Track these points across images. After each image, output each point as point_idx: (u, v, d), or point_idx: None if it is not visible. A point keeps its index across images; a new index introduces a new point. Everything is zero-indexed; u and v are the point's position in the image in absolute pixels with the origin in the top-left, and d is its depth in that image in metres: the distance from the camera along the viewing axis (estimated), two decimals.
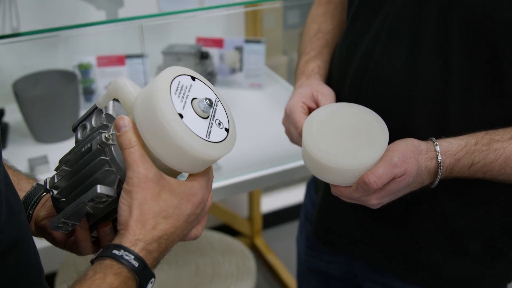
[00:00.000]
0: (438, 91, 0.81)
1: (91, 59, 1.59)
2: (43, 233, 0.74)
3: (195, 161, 0.60)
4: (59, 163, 0.70)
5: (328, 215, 1.05)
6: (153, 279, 0.58)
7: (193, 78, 0.63)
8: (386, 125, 0.80)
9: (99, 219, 0.67)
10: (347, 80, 0.91)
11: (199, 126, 0.59)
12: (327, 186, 1.00)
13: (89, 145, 0.64)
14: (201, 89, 0.63)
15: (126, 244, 0.57)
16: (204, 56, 1.64)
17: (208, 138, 0.60)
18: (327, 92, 0.91)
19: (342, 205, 0.99)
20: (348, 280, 1.12)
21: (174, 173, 0.64)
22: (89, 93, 1.62)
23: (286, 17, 2.09)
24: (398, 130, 0.81)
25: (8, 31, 1.29)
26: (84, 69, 1.59)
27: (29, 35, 1.21)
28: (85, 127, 0.70)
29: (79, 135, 0.70)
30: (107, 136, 0.62)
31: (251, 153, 1.37)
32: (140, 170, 0.59)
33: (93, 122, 0.68)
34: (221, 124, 0.63)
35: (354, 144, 0.78)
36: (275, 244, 2.36)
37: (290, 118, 0.90)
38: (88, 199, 0.61)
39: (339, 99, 0.93)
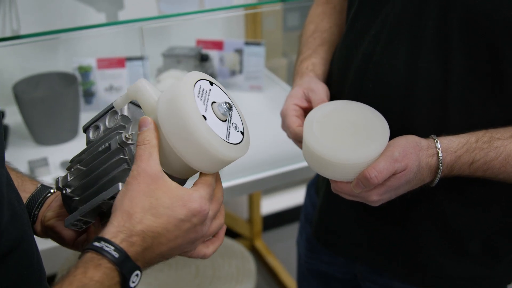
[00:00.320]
0: (438, 91, 0.81)
1: (91, 61, 1.59)
2: (50, 233, 0.75)
3: (214, 161, 0.62)
4: (70, 162, 0.72)
5: (329, 215, 1.05)
6: (138, 272, 0.57)
7: (211, 83, 0.66)
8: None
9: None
10: (348, 80, 0.91)
11: (219, 128, 0.62)
12: (328, 186, 1.00)
13: (107, 144, 0.66)
14: (219, 94, 0.65)
15: (107, 236, 0.57)
16: (204, 58, 1.64)
17: (228, 139, 0.62)
18: (318, 88, 0.91)
19: (342, 206, 1.00)
20: (348, 281, 1.12)
21: (188, 174, 0.65)
22: (89, 95, 1.62)
23: (286, 20, 2.10)
24: (398, 130, 0.82)
25: (8, 34, 1.29)
26: (84, 71, 1.59)
27: (30, 37, 1.21)
28: (97, 127, 0.71)
29: (90, 135, 0.71)
30: (127, 135, 0.64)
31: (251, 155, 1.37)
32: (142, 164, 0.60)
33: (106, 123, 0.69)
34: (237, 127, 0.66)
35: (355, 139, 0.78)
36: (275, 246, 2.36)
37: (284, 123, 0.91)
38: (108, 196, 0.62)
39: (339, 99, 0.93)
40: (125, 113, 0.68)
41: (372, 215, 0.96)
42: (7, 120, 1.53)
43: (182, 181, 0.67)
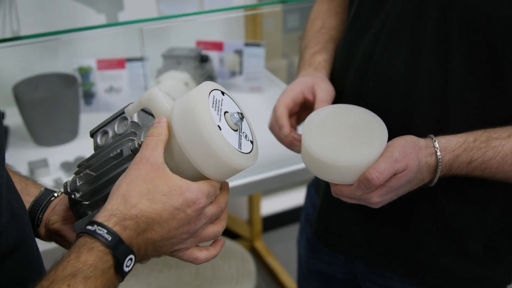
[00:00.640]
0: (438, 91, 0.81)
1: (91, 62, 1.59)
2: (55, 237, 0.75)
3: (227, 169, 0.63)
4: (78, 167, 0.72)
5: (329, 215, 1.05)
6: (131, 256, 0.57)
7: (223, 93, 0.67)
8: (386, 124, 0.81)
9: None
10: (348, 79, 0.92)
11: (232, 138, 0.64)
12: (328, 186, 1.00)
13: (119, 150, 0.66)
14: (230, 103, 0.67)
15: (100, 219, 0.57)
16: (204, 59, 1.64)
17: (240, 149, 0.64)
18: (327, 89, 0.91)
19: (342, 206, 0.99)
20: (348, 281, 1.12)
21: (196, 180, 0.65)
22: (89, 96, 1.62)
23: (286, 21, 2.10)
24: (398, 129, 0.82)
25: (8, 35, 1.29)
26: (84, 72, 1.59)
27: (30, 38, 1.21)
28: (105, 132, 0.72)
29: (98, 140, 0.72)
30: (139, 143, 0.65)
31: None
32: (146, 152, 0.61)
33: (116, 128, 0.70)
34: (247, 136, 0.68)
35: (353, 142, 0.79)
36: (275, 247, 2.36)
37: (281, 95, 0.92)
38: None
39: (339, 98, 0.94)
40: (135, 119, 0.69)
41: (372, 216, 0.96)
42: (7, 121, 1.53)
43: None
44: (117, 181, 0.61)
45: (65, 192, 0.70)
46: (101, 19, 1.48)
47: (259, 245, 2.32)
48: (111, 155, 0.67)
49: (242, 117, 0.65)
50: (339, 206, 1.01)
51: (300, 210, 1.27)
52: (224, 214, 0.67)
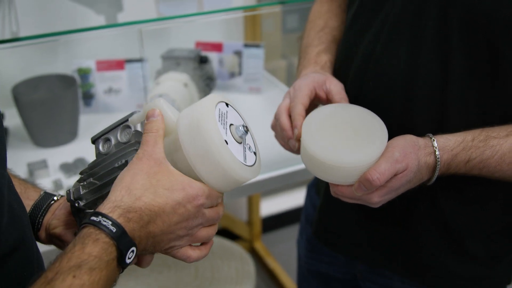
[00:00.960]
0: (437, 91, 0.82)
1: (91, 64, 1.59)
2: (56, 241, 0.75)
3: (232, 182, 0.65)
4: (81, 174, 0.73)
5: (329, 215, 1.05)
6: (134, 248, 0.57)
7: (227, 104, 0.68)
8: (386, 124, 0.81)
9: None
10: (348, 79, 0.92)
11: (238, 151, 0.65)
12: (328, 186, 1.00)
13: (124, 161, 0.67)
14: (234, 115, 0.68)
15: (104, 211, 0.57)
16: (203, 60, 1.64)
17: (245, 162, 0.66)
18: (340, 84, 0.90)
19: (342, 205, 1.00)
20: (348, 282, 1.12)
21: None
22: (88, 97, 1.62)
23: (285, 22, 2.10)
24: (398, 129, 0.82)
25: (7, 36, 1.30)
26: (84, 73, 1.59)
27: (29, 39, 1.21)
28: (107, 140, 0.72)
29: (100, 147, 0.72)
30: None
31: None
32: (147, 148, 0.62)
33: (118, 137, 0.71)
34: (251, 148, 0.69)
35: (354, 142, 0.79)
36: (275, 248, 2.36)
37: (294, 92, 0.89)
38: None
39: None
40: (139, 128, 0.70)
41: (372, 215, 0.96)
42: (6, 122, 1.53)
43: None
44: (120, 174, 0.62)
45: (68, 200, 0.71)
46: (101, 20, 1.48)
47: (259, 246, 2.32)
48: (116, 165, 0.68)
49: (247, 130, 0.67)
50: (339, 205, 1.01)
51: (300, 211, 1.27)
52: (216, 224, 0.69)
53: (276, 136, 0.93)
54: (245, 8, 1.76)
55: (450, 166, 0.79)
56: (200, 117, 0.63)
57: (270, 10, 1.91)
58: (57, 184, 1.31)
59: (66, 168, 1.36)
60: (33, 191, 0.78)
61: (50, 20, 1.54)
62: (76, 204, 0.70)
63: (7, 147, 1.46)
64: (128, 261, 0.57)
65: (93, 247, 0.54)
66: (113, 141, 0.71)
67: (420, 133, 0.81)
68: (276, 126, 0.92)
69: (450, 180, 0.82)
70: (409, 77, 0.83)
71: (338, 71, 0.96)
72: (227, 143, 0.63)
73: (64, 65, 1.63)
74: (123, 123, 0.71)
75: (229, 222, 2.34)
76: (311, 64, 0.97)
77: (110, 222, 0.56)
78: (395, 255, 0.97)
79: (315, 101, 0.91)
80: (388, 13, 0.85)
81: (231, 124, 0.66)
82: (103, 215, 0.57)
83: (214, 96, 0.67)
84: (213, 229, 0.68)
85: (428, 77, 0.82)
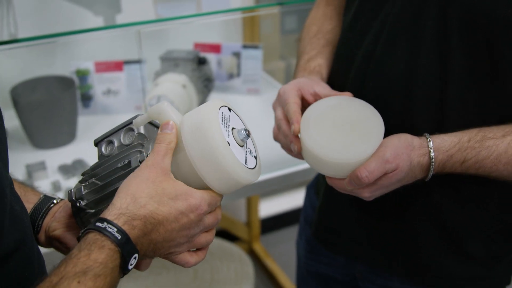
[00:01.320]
0: (437, 91, 0.82)
1: (89, 65, 1.59)
2: (56, 243, 0.76)
3: (234, 185, 0.66)
4: (82, 175, 0.73)
5: (328, 215, 1.05)
6: (136, 255, 0.58)
7: (229, 109, 0.69)
8: (386, 123, 0.82)
9: None
10: (348, 80, 0.92)
11: (240, 154, 0.66)
12: (327, 187, 1.01)
13: (126, 161, 0.68)
14: (236, 119, 0.70)
15: (109, 217, 0.58)
16: (201, 61, 1.64)
17: (247, 165, 0.67)
18: (327, 86, 0.91)
19: (342, 206, 1.00)
20: (347, 283, 1.12)
21: (202, 189, 0.67)
22: (87, 98, 1.62)
23: (284, 23, 2.10)
24: (397, 128, 0.82)
25: (6, 37, 1.29)
26: (82, 75, 1.59)
27: (27, 41, 1.21)
28: (110, 142, 0.73)
29: (103, 149, 0.73)
30: (148, 154, 0.66)
31: None
32: (157, 158, 0.63)
33: (121, 139, 0.71)
34: (252, 152, 0.70)
35: (349, 138, 0.81)
36: (274, 249, 2.36)
37: (281, 98, 0.89)
38: None
39: None
40: (142, 131, 0.71)
41: (372, 215, 0.96)
42: (4, 124, 1.53)
43: None
44: (126, 180, 0.62)
45: (70, 199, 0.71)
46: (99, 21, 1.48)
47: (258, 247, 2.32)
48: (119, 165, 0.68)
49: (248, 134, 0.68)
50: (338, 205, 1.01)
51: (299, 212, 1.27)
52: (214, 228, 0.70)
53: (282, 146, 0.93)
54: (243, 9, 1.77)
55: (445, 166, 0.79)
56: (204, 119, 0.64)
57: (268, 11, 1.91)
58: (56, 186, 1.31)
59: (65, 169, 1.36)
60: (33, 194, 0.79)
61: (48, 21, 1.54)
62: (78, 204, 0.70)
63: None
64: (130, 267, 0.58)
65: (99, 254, 0.55)
66: (116, 144, 0.72)
67: (419, 133, 0.81)
68: (279, 135, 0.92)
69: (446, 178, 0.83)
70: (408, 77, 0.83)
71: (338, 72, 0.96)
72: (229, 145, 0.64)
73: (63, 67, 1.63)
74: (126, 126, 0.72)
75: (228, 223, 2.34)
76: (300, 72, 0.98)
77: (115, 229, 0.57)
78: (395, 255, 0.97)
79: (304, 103, 0.90)
80: (388, 14, 0.85)
81: (233, 128, 0.68)
82: (109, 222, 0.57)
83: (217, 101, 0.68)
84: (212, 234, 0.69)
85: (428, 77, 0.82)
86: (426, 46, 0.81)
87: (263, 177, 1.36)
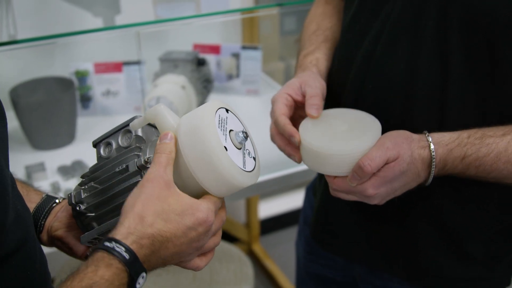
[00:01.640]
0: (437, 91, 0.82)
1: (88, 66, 1.59)
2: (58, 243, 0.76)
3: (231, 188, 0.65)
4: (82, 178, 0.73)
5: (326, 216, 1.05)
6: (144, 274, 0.59)
7: (227, 110, 0.68)
8: (386, 124, 0.83)
9: None
10: (348, 80, 0.92)
11: (237, 156, 0.65)
12: (325, 187, 1.00)
13: (124, 166, 0.67)
14: (234, 121, 0.69)
15: (118, 236, 0.58)
16: (201, 62, 1.64)
17: (245, 168, 0.66)
18: (316, 84, 0.89)
19: (340, 207, 1.00)
20: (347, 284, 1.12)
21: (200, 196, 0.67)
22: (86, 100, 1.62)
23: (283, 24, 2.10)
24: (398, 128, 0.82)
25: (5, 39, 1.29)
26: (81, 76, 1.59)
27: (26, 42, 1.21)
28: (108, 144, 0.72)
29: (102, 151, 0.73)
30: (146, 159, 0.66)
31: None
32: (159, 169, 0.62)
33: (119, 141, 0.71)
34: (250, 153, 0.69)
35: (348, 135, 0.82)
36: (273, 250, 2.35)
37: (271, 109, 0.90)
38: None
39: (339, 98, 0.94)
40: (140, 133, 0.70)
41: (370, 216, 0.96)
42: (7, 124, 1.53)
43: None
44: (131, 197, 0.62)
45: (70, 203, 0.71)
46: (98, 22, 1.48)
47: (257, 248, 2.32)
48: (117, 169, 0.68)
49: (246, 136, 0.67)
50: (336, 207, 1.01)
51: (298, 213, 1.27)
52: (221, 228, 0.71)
53: (280, 148, 0.93)
54: (242, 10, 1.77)
55: (446, 162, 0.79)
56: (200, 123, 0.64)
57: (267, 12, 1.91)
58: (55, 187, 1.31)
59: (64, 170, 1.36)
60: (35, 194, 0.79)
61: (48, 22, 1.53)
62: (77, 208, 0.70)
63: None
64: (138, 286, 0.59)
65: (105, 271, 0.56)
66: (114, 145, 0.71)
67: (419, 133, 0.81)
68: (275, 137, 0.91)
69: (446, 179, 0.82)
70: (409, 77, 0.83)
71: (338, 72, 0.96)
72: (226, 149, 0.64)
73: (62, 68, 1.63)
74: (124, 128, 0.71)
75: (228, 224, 2.33)
76: (297, 70, 0.98)
77: (123, 248, 0.57)
78: (395, 257, 0.97)
79: (298, 104, 0.90)
80: (388, 14, 0.85)
81: (230, 130, 0.67)
82: (117, 241, 0.58)
83: (214, 103, 0.67)
84: (218, 237, 0.69)
85: (428, 77, 0.82)
86: (427, 47, 0.81)
87: (262, 178, 1.36)
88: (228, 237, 2.31)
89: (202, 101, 1.62)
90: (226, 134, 0.65)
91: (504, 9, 0.74)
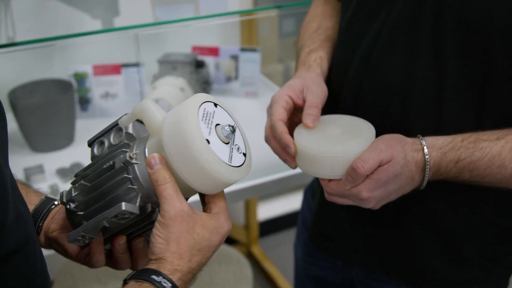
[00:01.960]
0: (433, 95, 0.82)
1: (87, 68, 1.59)
2: (54, 244, 0.76)
3: (216, 184, 0.64)
4: (75, 177, 0.73)
5: (324, 220, 1.05)
6: None
7: (215, 105, 0.67)
8: (383, 127, 0.83)
9: (114, 233, 0.70)
10: (345, 83, 0.92)
11: (222, 151, 0.64)
12: (322, 191, 1.00)
13: (111, 162, 0.67)
14: (222, 115, 0.67)
15: (165, 272, 0.60)
16: (199, 64, 1.64)
17: (230, 163, 0.64)
18: (318, 93, 0.88)
19: (337, 211, 1.00)
20: (345, 286, 1.12)
21: (190, 193, 0.67)
22: (85, 102, 1.62)
23: (282, 26, 2.10)
24: (394, 131, 0.82)
25: (4, 41, 1.29)
26: (80, 78, 1.59)
27: (25, 44, 1.21)
28: (102, 143, 0.72)
29: (95, 150, 0.73)
30: (131, 155, 0.65)
31: None
32: (176, 204, 0.62)
33: (111, 139, 0.71)
34: (240, 149, 0.67)
35: (342, 138, 0.82)
36: (272, 252, 2.35)
37: (270, 108, 0.89)
38: (111, 215, 0.64)
39: (337, 101, 0.94)
40: (130, 130, 0.70)
41: (366, 221, 0.96)
42: (7, 125, 1.53)
43: None
44: (161, 239, 0.63)
45: (61, 201, 0.71)
46: (97, 25, 1.48)
47: (256, 250, 2.32)
48: (104, 166, 0.67)
49: (233, 129, 0.65)
50: (333, 210, 1.01)
51: (297, 215, 1.27)
52: None
53: (274, 150, 0.92)
54: (241, 13, 1.77)
55: (440, 166, 0.78)
56: (181, 116, 0.62)
57: (266, 14, 1.92)
58: (54, 189, 1.30)
59: (63, 173, 1.36)
60: (35, 195, 0.79)
61: (46, 25, 1.54)
62: (68, 206, 0.70)
63: None
64: None
65: None
66: (106, 144, 0.71)
67: (416, 134, 0.81)
68: (269, 139, 0.90)
69: (440, 183, 0.82)
70: (406, 81, 0.83)
71: (336, 74, 0.96)
72: (209, 142, 0.62)
73: (61, 70, 1.63)
74: (115, 126, 0.71)
75: None
76: (300, 67, 0.97)
77: (170, 285, 0.60)
78: (391, 261, 0.97)
79: (297, 107, 0.89)
80: (385, 16, 0.85)
81: (217, 124, 0.65)
82: (164, 276, 0.60)
83: (199, 96, 0.66)
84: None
85: (425, 80, 0.82)
86: (424, 50, 0.81)
87: (261, 180, 1.36)
88: (227, 239, 2.30)
89: None
90: (211, 128, 0.63)
91: (500, 13, 0.75)
